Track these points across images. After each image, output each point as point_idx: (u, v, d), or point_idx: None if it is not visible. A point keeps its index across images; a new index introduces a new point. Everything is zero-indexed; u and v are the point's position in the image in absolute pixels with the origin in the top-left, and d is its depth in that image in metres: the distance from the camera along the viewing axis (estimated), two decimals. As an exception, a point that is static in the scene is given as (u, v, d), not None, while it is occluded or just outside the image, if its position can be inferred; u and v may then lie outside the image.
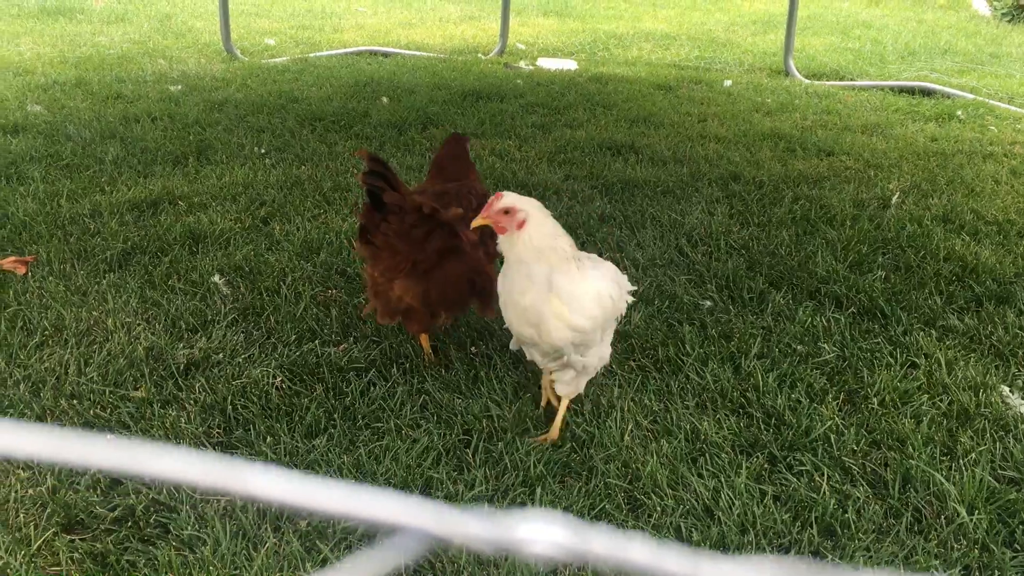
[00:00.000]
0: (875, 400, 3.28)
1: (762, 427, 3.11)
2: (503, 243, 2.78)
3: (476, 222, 2.79)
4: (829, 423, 3.11)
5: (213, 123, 6.86)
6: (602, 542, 0.50)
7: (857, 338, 3.75)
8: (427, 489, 2.72)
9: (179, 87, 8.19)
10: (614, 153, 6.49)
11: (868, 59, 11.25)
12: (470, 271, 3.29)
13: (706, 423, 3.10)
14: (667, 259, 4.52)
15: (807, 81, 9.76)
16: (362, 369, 3.38)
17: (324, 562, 2.42)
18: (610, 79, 9.44)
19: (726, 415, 3.18)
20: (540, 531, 0.52)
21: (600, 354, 3.00)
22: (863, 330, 3.84)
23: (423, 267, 3.21)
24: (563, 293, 2.74)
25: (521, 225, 2.73)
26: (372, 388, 3.24)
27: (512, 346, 3.19)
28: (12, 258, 4.20)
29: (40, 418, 2.98)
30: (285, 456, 2.85)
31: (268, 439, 2.92)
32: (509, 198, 2.76)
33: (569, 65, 10.37)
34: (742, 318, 3.91)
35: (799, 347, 3.65)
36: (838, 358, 3.59)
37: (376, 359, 3.46)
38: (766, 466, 2.91)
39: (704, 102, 8.46)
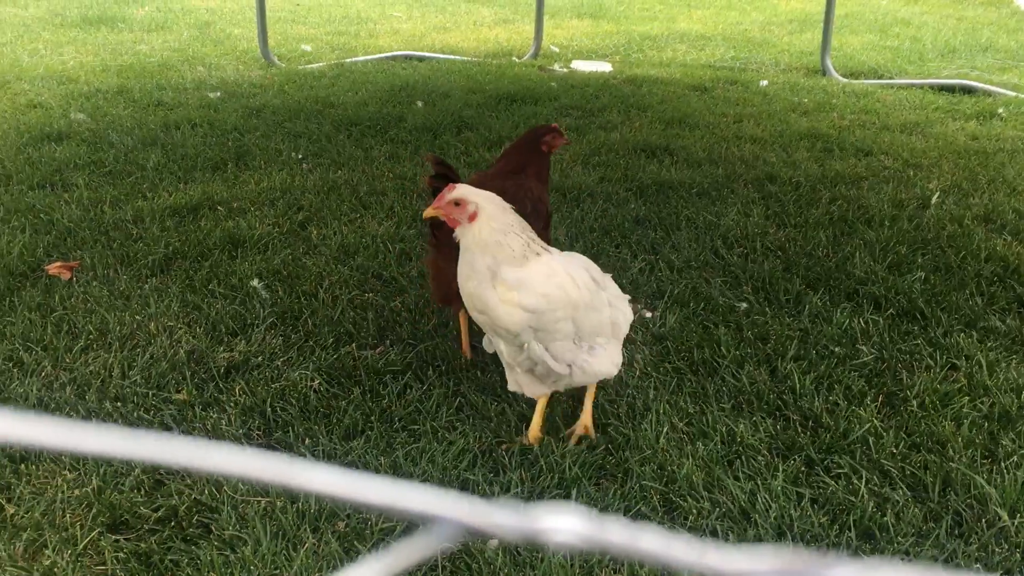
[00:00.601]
0: (915, 402, 3.25)
1: (799, 430, 3.09)
2: (458, 235, 2.79)
3: (427, 213, 2.82)
4: (868, 426, 3.08)
5: (251, 129, 6.95)
6: (618, 532, 0.54)
7: (896, 340, 3.72)
8: (463, 491, 2.74)
9: (218, 94, 8.31)
10: (649, 155, 6.48)
11: (907, 57, 11.10)
12: None
13: (742, 426, 3.09)
14: (702, 261, 4.50)
15: (844, 80, 9.66)
16: (398, 372, 3.41)
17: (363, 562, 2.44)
18: (644, 81, 9.42)
19: (762, 417, 3.16)
20: (561, 521, 0.57)
21: (577, 360, 2.87)
22: (902, 332, 3.80)
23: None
24: (510, 280, 2.72)
25: (473, 217, 2.73)
26: (408, 391, 3.28)
27: (486, 346, 3.18)
28: (58, 263, 4.29)
29: (85, 419, 3.04)
30: (324, 458, 2.88)
31: (307, 441, 2.96)
32: (460, 190, 2.76)
33: (603, 67, 10.36)
34: (778, 320, 3.89)
35: (837, 349, 3.62)
36: (877, 360, 3.56)
37: (412, 362, 3.49)
38: (803, 469, 2.90)
39: (740, 103, 8.41)
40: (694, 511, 2.68)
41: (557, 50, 11.68)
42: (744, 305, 4.04)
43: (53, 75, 9.14)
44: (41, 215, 4.94)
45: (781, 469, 2.87)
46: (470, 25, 14.22)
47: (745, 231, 4.88)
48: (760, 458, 2.93)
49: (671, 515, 2.69)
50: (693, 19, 14.92)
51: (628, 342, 3.65)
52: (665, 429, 3.07)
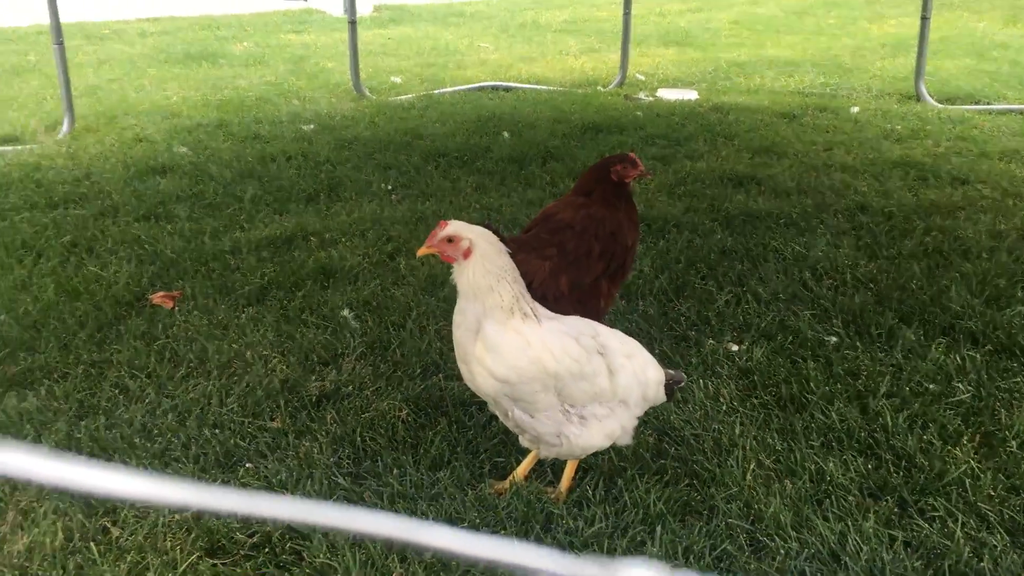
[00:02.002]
0: (1014, 443, 3.14)
1: (892, 469, 3.02)
2: (455, 272, 2.76)
3: (421, 251, 2.80)
4: (964, 467, 3.00)
5: (343, 161, 7.15)
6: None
7: (994, 377, 3.60)
8: (548, 524, 2.77)
9: (311, 126, 8.57)
10: (735, 184, 6.43)
11: (1006, 81, 10.76)
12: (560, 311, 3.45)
13: (832, 464, 3.04)
14: (790, 293, 4.44)
15: (940, 106, 9.42)
16: (484, 403, 3.45)
17: (448, 594, 2.49)
18: (731, 108, 9.36)
19: (853, 456, 3.10)
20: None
21: (565, 430, 2.75)
22: (1001, 369, 3.68)
23: None
24: (488, 339, 2.66)
25: (467, 254, 2.69)
26: (493, 422, 3.32)
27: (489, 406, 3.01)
28: (161, 293, 4.49)
29: (185, 446, 3.17)
30: (411, 488, 2.94)
31: (395, 471, 3.03)
32: (452, 226, 2.72)
33: (689, 95, 10.32)
34: (870, 355, 3.81)
35: (931, 386, 3.53)
36: (974, 398, 3.45)
37: (498, 393, 3.53)
38: (896, 510, 2.83)
39: (830, 130, 8.28)
40: (781, 551, 2.65)
41: (643, 78, 11.69)
42: (834, 339, 3.97)
43: (158, 110, 9.57)
44: (146, 246, 5.18)
45: (873, 510, 2.82)
46: (556, 55, 14.35)
47: (835, 263, 4.80)
48: (851, 498, 2.88)
49: (758, 555, 2.66)
50: (782, 45, 14.75)
51: (713, 376, 3.63)
52: (752, 466, 3.04)
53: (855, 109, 9.27)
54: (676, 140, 7.87)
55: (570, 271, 3.55)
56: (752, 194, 6.17)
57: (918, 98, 9.76)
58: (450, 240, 2.73)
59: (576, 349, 2.71)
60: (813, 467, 3.03)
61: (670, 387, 2.94)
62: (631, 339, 2.94)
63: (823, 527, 2.73)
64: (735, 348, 3.91)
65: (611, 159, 3.76)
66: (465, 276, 2.71)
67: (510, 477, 2.98)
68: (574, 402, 2.75)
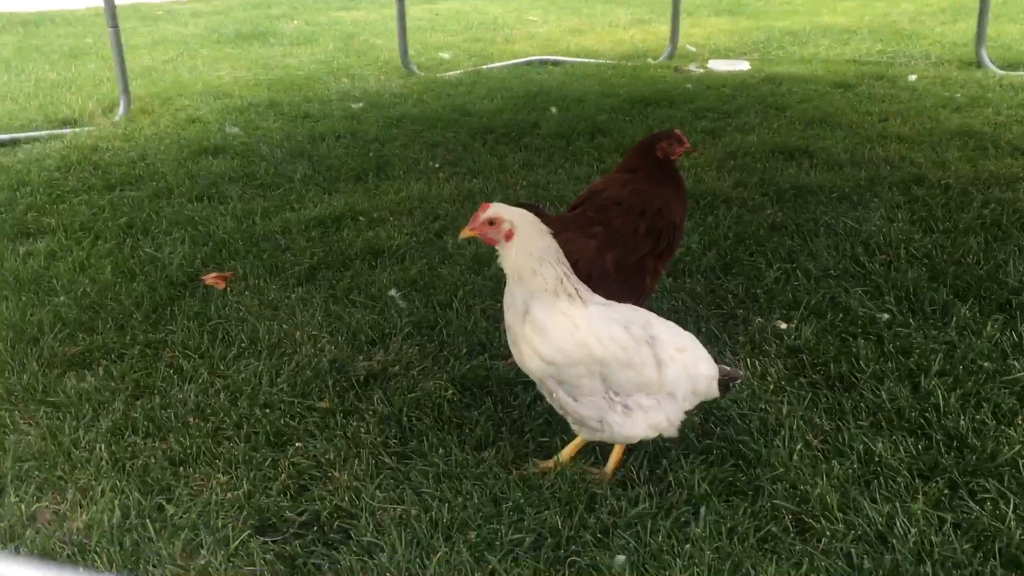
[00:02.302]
0: (1071, 424, 3.06)
1: (942, 450, 2.97)
2: (499, 255, 2.78)
3: (463, 233, 2.81)
4: (1018, 447, 2.93)
5: (391, 139, 7.19)
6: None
7: (1052, 355, 3.51)
8: (591, 504, 2.78)
9: (360, 104, 8.62)
10: (787, 158, 6.32)
11: (1074, 44, 10.39)
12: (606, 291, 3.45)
13: (881, 444, 2.99)
14: (841, 269, 4.37)
15: (1002, 72, 9.13)
16: (529, 383, 3.46)
17: (492, 573, 2.52)
18: (784, 79, 9.18)
19: (903, 436, 3.05)
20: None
21: (607, 417, 2.76)
22: (1059, 346, 3.58)
23: None
24: (536, 321, 2.68)
25: (509, 236, 2.70)
26: (539, 402, 3.33)
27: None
28: (213, 274, 4.57)
29: (237, 425, 3.24)
30: (456, 467, 2.97)
31: (440, 451, 3.06)
32: (494, 208, 2.73)
33: (741, 66, 10.15)
34: (923, 332, 3.73)
35: (986, 364, 3.45)
36: (1030, 377, 3.37)
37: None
38: (946, 492, 2.79)
39: (886, 99, 8.09)
40: (827, 533, 2.62)
41: (694, 50, 11.52)
42: (886, 316, 3.90)
43: (210, 90, 9.70)
44: (199, 227, 5.27)
45: (922, 491, 2.77)
46: (605, 27, 14.21)
47: (888, 237, 4.70)
48: (899, 479, 2.84)
49: (803, 537, 2.64)
50: (837, 12, 14.41)
51: (761, 355, 3.60)
52: (799, 446, 3.01)
53: (913, 77, 9.04)
54: (726, 113, 7.76)
55: (616, 249, 3.54)
56: (804, 167, 6.06)
57: (979, 64, 9.48)
58: (491, 223, 2.74)
59: (624, 337, 2.70)
60: (861, 447, 2.99)
61: (725, 383, 2.89)
62: (686, 332, 2.91)
63: (870, 509, 2.70)
64: (784, 326, 3.87)
65: (657, 136, 3.73)
66: (509, 259, 2.74)
67: (555, 457, 2.99)
68: (619, 390, 2.75)
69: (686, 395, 2.83)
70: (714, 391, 2.88)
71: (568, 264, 2.80)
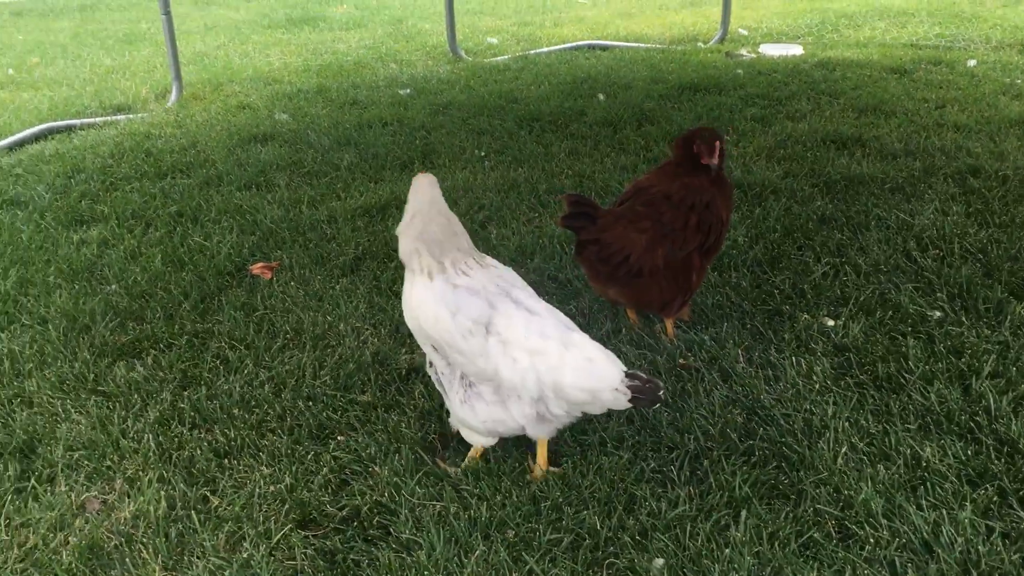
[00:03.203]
0: None
1: (993, 456, 2.90)
2: None
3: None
4: (1072, 455, 2.85)
5: (437, 127, 7.19)
6: None
7: (1111, 358, 3.40)
8: (630, 506, 2.76)
9: (408, 91, 8.63)
10: (838, 147, 6.20)
11: None
12: (656, 285, 3.60)
13: (929, 449, 2.93)
14: (892, 264, 4.28)
15: (1066, 56, 8.85)
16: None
17: (530, 573, 2.52)
18: (838, 64, 8.99)
19: (952, 441, 2.99)
20: None
21: (448, 395, 2.85)
22: (1119, 348, 3.47)
23: (622, 280, 3.58)
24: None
25: None
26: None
27: None
28: (260, 264, 4.63)
29: (280, 418, 3.28)
30: (495, 464, 2.98)
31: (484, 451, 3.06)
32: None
33: (794, 50, 9.97)
34: (975, 331, 3.64)
35: (1041, 366, 3.36)
36: (1087, 380, 3.27)
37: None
38: (995, 499, 2.72)
39: (943, 86, 7.89)
40: (871, 540, 2.58)
41: (745, 33, 11.34)
42: (937, 314, 3.81)
43: (260, 76, 9.79)
44: (247, 215, 5.33)
45: (970, 499, 2.71)
46: (655, 9, 14.05)
47: (942, 231, 4.58)
48: (947, 485, 2.77)
49: (846, 543, 2.60)
50: (895, -7, 14.06)
51: (807, 353, 3.55)
52: (844, 449, 2.96)
53: (972, 62, 8.79)
54: (777, 100, 7.62)
55: (666, 243, 3.52)
56: (856, 157, 5.93)
57: (1042, 48, 9.19)
58: None
59: (445, 320, 2.69)
60: (908, 452, 2.93)
61: (642, 393, 2.61)
62: (574, 335, 2.70)
63: (916, 516, 2.65)
64: (831, 323, 3.80)
65: (694, 134, 3.67)
66: None
67: (537, 467, 2.95)
68: (463, 372, 2.78)
69: (547, 400, 2.71)
70: (607, 403, 2.66)
71: (443, 237, 2.80)
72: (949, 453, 2.92)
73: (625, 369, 2.65)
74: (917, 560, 2.51)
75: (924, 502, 2.71)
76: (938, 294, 3.96)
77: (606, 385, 2.62)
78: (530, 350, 2.65)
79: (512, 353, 2.66)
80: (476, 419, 2.80)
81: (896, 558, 2.51)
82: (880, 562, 2.51)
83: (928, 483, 2.80)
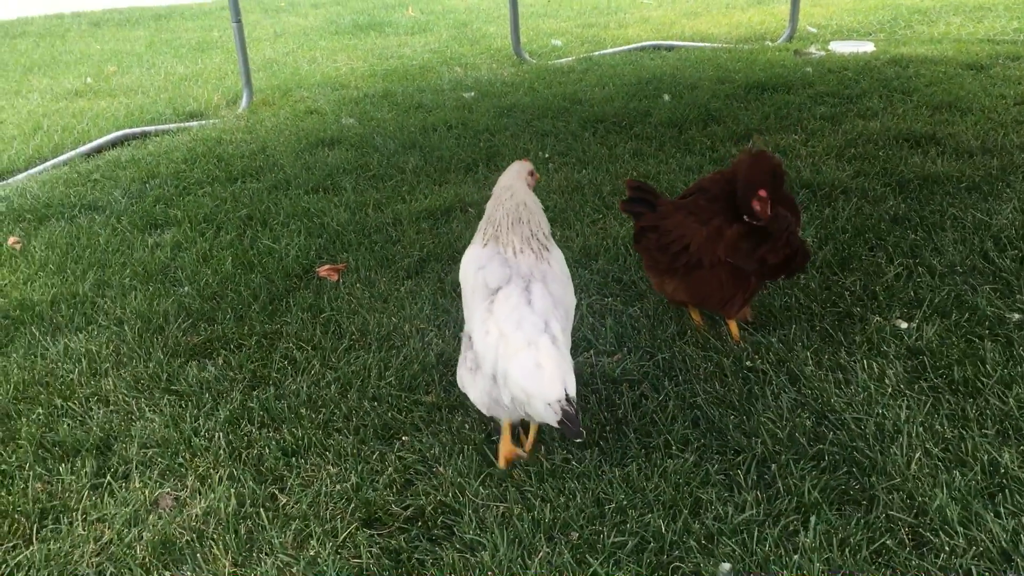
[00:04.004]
0: None
1: (1076, 463, 2.79)
2: None
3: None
4: None
5: (501, 129, 7.21)
6: None
7: None
8: (696, 510, 2.73)
9: (472, 94, 8.67)
10: (912, 145, 6.04)
11: None
12: (721, 278, 3.54)
13: (1007, 455, 2.84)
14: (969, 265, 4.15)
15: None
16: (635, 381, 3.43)
17: (593, 575, 2.51)
18: (911, 60, 8.77)
19: (1032, 447, 2.88)
20: None
21: (461, 355, 3.01)
22: None
23: (681, 272, 3.58)
24: None
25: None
26: (644, 401, 3.29)
27: None
28: (327, 266, 4.69)
29: (347, 417, 3.32)
30: (561, 464, 2.97)
31: (543, 449, 3.06)
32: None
33: (865, 47, 9.75)
34: (1057, 335, 3.51)
35: None
36: None
37: (649, 371, 3.50)
38: (1079, 508, 2.62)
39: (1022, 81, 7.62)
40: (947, 548, 2.50)
41: (814, 31, 11.13)
42: (1017, 316, 3.68)
43: (328, 81, 9.94)
44: (314, 218, 5.42)
45: (1052, 507, 2.62)
46: (722, 8, 13.88)
47: (1021, 231, 4.43)
48: (1027, 493, 2.68)
49: (919, 551, 2.53)
50: (971, -14, 13.66)
51: (879, 356, 3.46)
52: (918, 454, 2.88)
53: (1053, 56, 8.49)
54: (848, 98, 7.46)
55: (750, 246, 3.51)
56: (930, 155, 5.77)
57: None
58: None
59: (469, 273, 2.97)
60: (986, 457, 2.84)
61: (569, 422, 2.54)
62: (540, 336, 2.67)
63: (994, 524, 2.56)
64: (904, 325, 3.70)
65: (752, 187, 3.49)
66: None
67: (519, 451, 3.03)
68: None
69: (495, 379, 2.73)
70: (544, 415, 2.61)
71: (504, 220, 3.01)
72: (1029, 460, 2.82)
73: (569, 395, 2.58)
74: (995, 569, 2.43)
75: (1002, 509, 2.62)
76: (1017, 296, 3.84)
77: (541, 396, 2.59)
78: (501, 331, 2.72)
79: (488, 326, 2.76)
80: (462, 379, 2.99)
81: (973, 567, 2.43)
82: (956, 571, 2.44)
83: (1007, 490, 2.70)
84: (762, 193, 3.41)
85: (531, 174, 3.20)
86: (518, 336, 2.67)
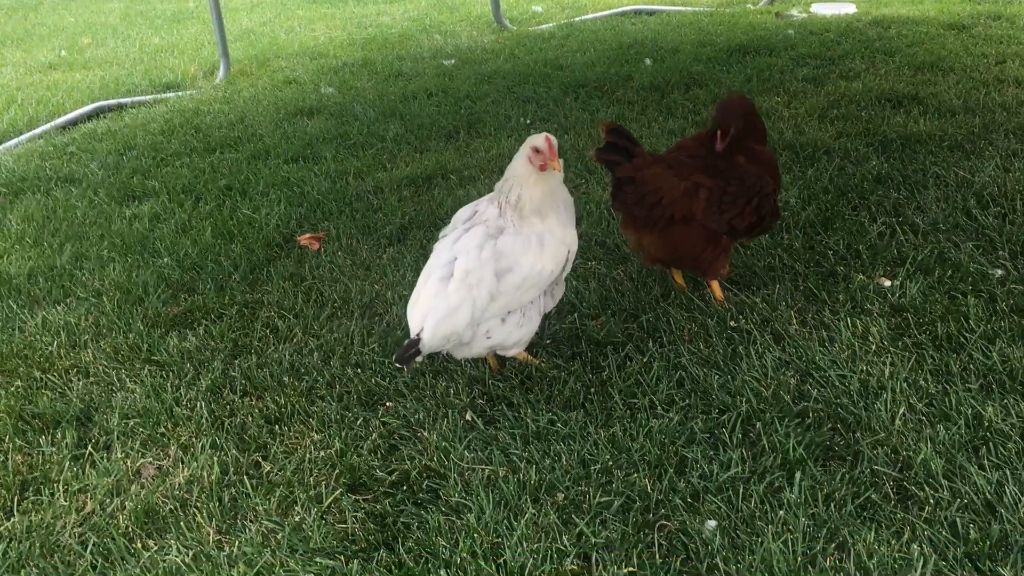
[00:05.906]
0: None
1: (1058, 415, 2.80)
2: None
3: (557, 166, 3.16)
4: None
5: (482, 96, 7.14)
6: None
7: None
8: (681, 468, 2.73)
9: (452, 61, 8.59)
10: (894, 105, 6.02)
11: None
12: (699, 234, 3.49)
13: (991, 408, 2.84)
14: (951, 223, 4.14)
15: None
16: (619, 343, 3.42)
17: (579, 536, 2.50)
18: (893, 21, 8.73)
19: (1015, 400, 2.89)
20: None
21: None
22: None
23: (659, 227, 3.49)
24: None
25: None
26: (628, 363, 3.28)
27: None
28: (308, 235, 4.65)
29: (330, 385, 3.30)
30: (547, 426, 2.96)
31: (528, 410, 3.05)
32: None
33: (847, 9, 9.70)
34: (1039, 289, 3.52)
35: (1109, 324, 3.24)
36: None
37: (633, 333, 3.48)
38: (1061, 459, 2.63)
39: (1003, 40, 7.60)
40: (931, 501, 2.51)
41: (796, -7, 11.05)
42: (999, 272, 3.68)
43: (306, 51, 9.82)
44: (294, 187, 5.36)
45: (1035, 458, 2.63)
46: (703, -28, 13.75)
47: (1003, 188, 4.43)
48: (1010, 445, 2.69)
49: (904, 504, 2.54)
50: (952, -53, 13.59)
51: (862, 313, 3.46)
52: (902, 410, 2.89)
53: (1034, 15, 8.47)
54: (830, 59, 7.42)
55: (716, 207, 3.46)
56: (912, 115, 5.75)
57: (1109, -1, 8.82)
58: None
59: (468, 208, 3.30)
60: (970, 411, 2.85)
61: (404, 350, 2.90)
62: (429, 278, 3.05)
63: (978, 476, 2.57)
64: (887, 283, 3.70)
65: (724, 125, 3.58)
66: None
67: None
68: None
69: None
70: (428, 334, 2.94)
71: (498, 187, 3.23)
72: (1012, 413, 2.83)
73: (417, 335, 2.92)
74: (979, 521, 2.44)
75: (986, 462, 2.63)
76: (1000, 252, 3.84)
77: (412, 327, 2.99)
78: (443, 263, 3.05)
79: (432, 255, 3.16)
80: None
81: (957, 518, 2.44)
82: (941, 523, 2.44)
83: (991, 443, 2.71)
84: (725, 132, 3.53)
85: (535, 150, 3.10)
86: (425, 272, 3.11)
